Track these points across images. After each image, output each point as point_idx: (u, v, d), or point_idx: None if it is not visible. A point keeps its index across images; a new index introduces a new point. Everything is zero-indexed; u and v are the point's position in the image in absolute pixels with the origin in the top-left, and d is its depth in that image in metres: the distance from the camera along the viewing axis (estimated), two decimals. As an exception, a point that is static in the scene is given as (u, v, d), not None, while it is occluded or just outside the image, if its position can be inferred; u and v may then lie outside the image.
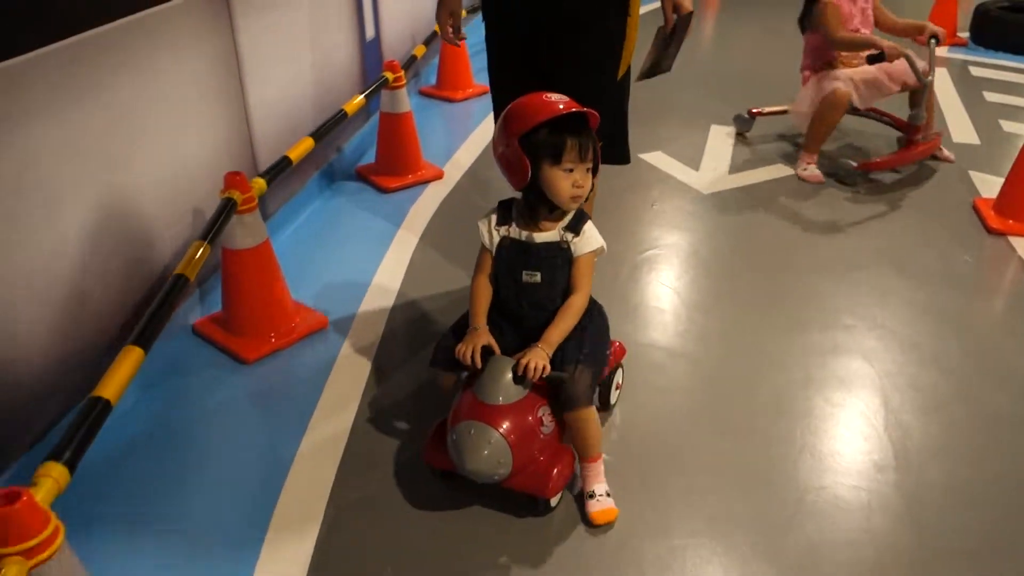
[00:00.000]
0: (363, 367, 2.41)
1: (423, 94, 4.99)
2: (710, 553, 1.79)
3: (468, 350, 1.79)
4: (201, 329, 2.55)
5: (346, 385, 2.33)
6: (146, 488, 1.97)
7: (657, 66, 2.27)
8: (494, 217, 1.90)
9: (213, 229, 2.17)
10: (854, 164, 3.62)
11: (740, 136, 4.22)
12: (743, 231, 3.30)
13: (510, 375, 1.76)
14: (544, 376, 1.75)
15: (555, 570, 1.75)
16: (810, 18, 3.66)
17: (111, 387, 1.55)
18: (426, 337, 2.52)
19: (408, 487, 1.95)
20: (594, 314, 1.94)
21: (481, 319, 1.88)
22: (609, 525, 1.85)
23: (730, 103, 4.49)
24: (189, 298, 2.57)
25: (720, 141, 4.21)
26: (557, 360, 1.81)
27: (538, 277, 1.85)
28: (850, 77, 3.58)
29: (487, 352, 1.80)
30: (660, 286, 2.88)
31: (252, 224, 2.38)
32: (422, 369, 2.33)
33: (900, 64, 3.53)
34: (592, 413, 1.84)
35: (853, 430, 2.17)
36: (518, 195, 1.89)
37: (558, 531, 1.84)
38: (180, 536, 1.83)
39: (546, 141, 1.74)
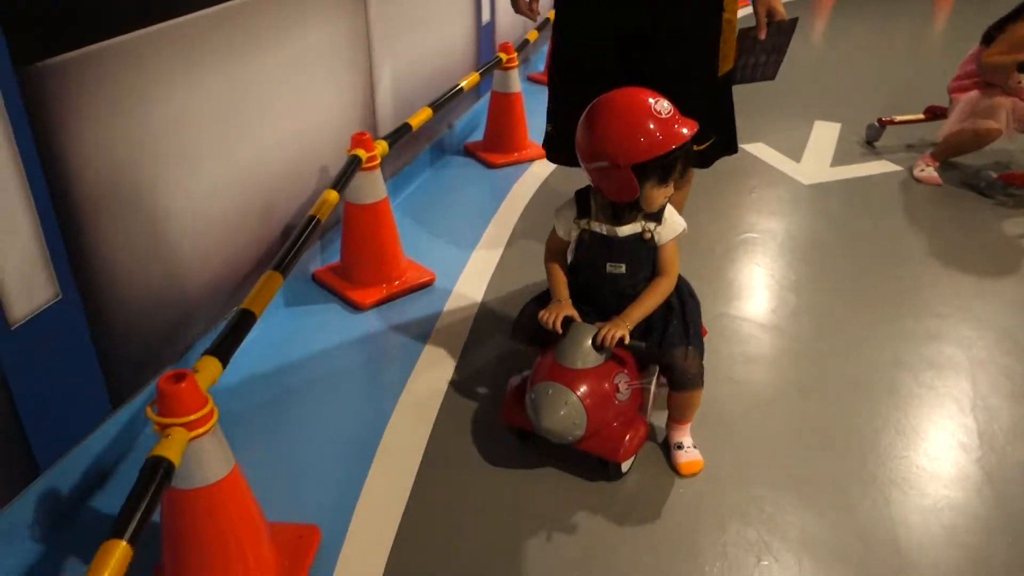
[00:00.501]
0: (464, 326, 2.57)
1: (531, 80, 5.16)
2: (789, 504, 1.87)
3: (551, 316, 1.85)
4: (320, 277, 2.78)
5: (447, 341, 2.50)
6: (267, 406, 2.19)
7: (745, 71, 2.26)
8: (572, 212, 1.92)
9: (341, 181, 2.37)
10: (994, 175, 3.49)
11: (869, 144, 4.10)
12: (841, 221, 3.33)
13: (589, 342, 1.82)
14: (625, 345, 1.80)
15: (630, 524, 1.84)
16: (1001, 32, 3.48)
17: (257, 303, 1.76)
18: (520, 305, 2.67)
19: (490, 445, 2.05)
20: (687, 295, 1.98)
21: (564, 292, 1.93)
22: (693, 476, 1.95)
23: (837, 102, 4.49)
24: (310, 249, 2.79)
25: (823, 136, 4.22)
26: (657, 340, 1.88)
27: (623, 268, 1.88)
28: (997, 107, 3.43)
29: (567, 321, 1.86)
30: (754, 266, 2.95)
31: (374, 181, 2.59)
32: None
33: None
34: (700, 393, 1.94)
35: (938, 410, 2.20)
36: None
37: (631, 494, 1.91)
38: (289, 455, 2.04)
39: (656, 166, 1.72)
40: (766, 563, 1.72)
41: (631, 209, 1.84)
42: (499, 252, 3.05)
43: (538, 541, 1.78)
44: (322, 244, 2.89)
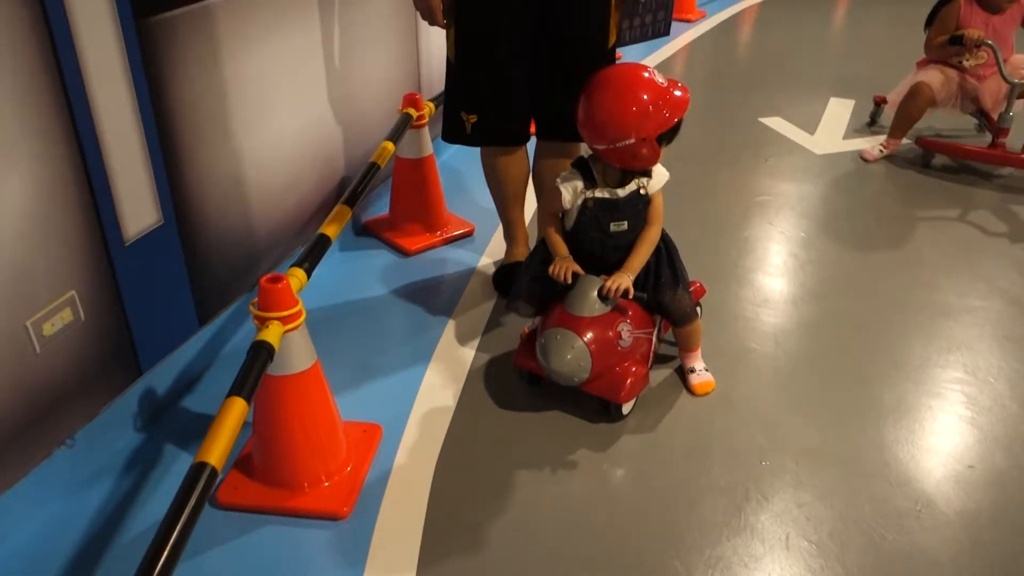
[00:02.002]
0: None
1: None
2: (792, 423, 2.13)
3: (561, 269, 2.01)
4: (370, 226, 3.06)
5: (486, 281, 2.77)
6: (332, 324, 2.47)
7: (634, 31, 2.35)
8: (579, 183, 2.01)
9: (396, 134, 2.65)
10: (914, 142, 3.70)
11: (872, 122, 4.24)
12: (850, 187, 3.57)
13: (595, 293, 1.98)
14: (629, 297, 1.98)
15: (629, 459, 1.99)
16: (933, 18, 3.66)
17: (330, 229, 2.05)
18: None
19: (506, 391, 2.22)
20: (670, 242, 2.15)
21: (565, 249, 2.06)
22: (706, 396, 2.20)
23: (853, 79, 4.72)
24: (367, 195, 3.08)
25: (838, 111, 4.45)
26: (651, 287, 2.08)
27: (625, 225, 2.03)
28: (940, 72, 3.62)
29: (575, 274, 2.01)
30: (767, 224, 3.20)
31: (422, 138, 2.86)
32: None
33: (989, 85, 3.56)
34: (699, 323, 2.21)
35: (931, 346, 2.44)
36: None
37: (630, 433, 2.07)
38: (354, 364, 2.32)
39: (672, 132, 1.93)
40: (767, 463, 1.98)
41: (635, 171, 2.01)
42: (534, 206, 3.31)
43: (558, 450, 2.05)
44: (371, 198, 3.17)
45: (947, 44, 3.54)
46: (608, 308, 2.00)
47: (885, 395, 2.23)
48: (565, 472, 1.96)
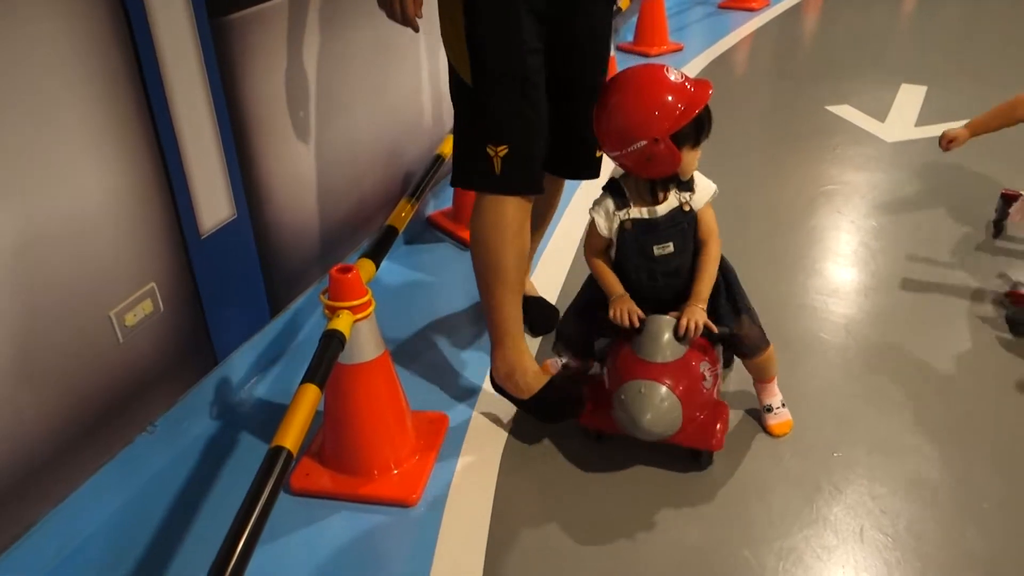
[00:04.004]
0: (565, 255, 2.86)
1: (620, 50, 5.37)
2: (862, 412, 2.09)
3: (623, 311, 1.81)
4: (434, 220, 3.10)
5: (551, 272, 2.77)
6: (399, 316, 2.51)
7: None
8: (610, 204, 1.84)
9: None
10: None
11: (997, 230, 2.98)
12: (925, 175, 3.46)
13: (668, 333, 1.79)
14: (707, 335, 1.79)
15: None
16: None
17: (398, 222, 2.08)
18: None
19: (568, 446, 2.00)
20: (725, 264, 1.93)
21: (619, 287, 1.87)
22: (784, 436, 2.01)
23: (924, 65, 4.58)
24: (432, 188, 3.12)
25: (909, 98, 4.33)
26: (713, 318, 1.84)
27: (671, 247, 1.83)
28: None
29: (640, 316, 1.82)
30: (835, 214, 3.13)
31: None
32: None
33: None
34: (772, 350, 1.97)
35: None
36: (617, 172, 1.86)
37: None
38: (421, 355, 2.35)
39: (691, 130, 1.71)
40: (838, 455, 1.94)
41: (666, 184, 1.81)
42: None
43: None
44: (434, 193, 3.21)
45: None
46: (686, 348, 1.81)
47: (961, 386, 2.17)
48: (633, 460, 1.94)
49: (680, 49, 5.36)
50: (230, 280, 2.14)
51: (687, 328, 1.77)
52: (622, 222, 1.83)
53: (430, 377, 2.26)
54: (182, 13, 1.83)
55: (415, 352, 2.37)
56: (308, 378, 1.52)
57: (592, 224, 1.88)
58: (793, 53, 5.59)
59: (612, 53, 4.01)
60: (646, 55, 5.26)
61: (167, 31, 1.79)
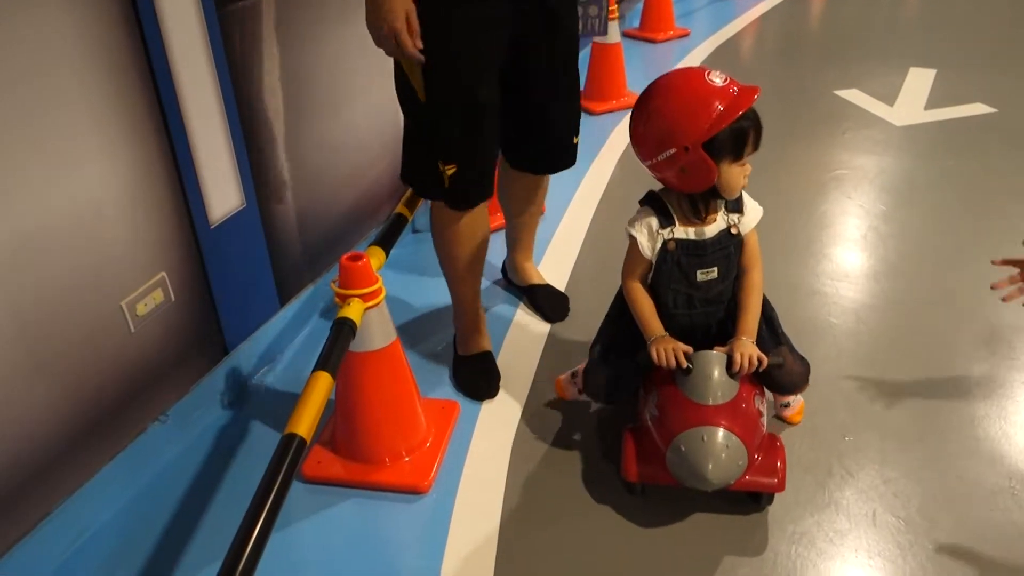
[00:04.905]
0: (575, 242, 2.86)
1: (626, 35, 5.34)
2: (872, 398, 2.08)
3: (667, 352, 1.64)
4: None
5: (559, 257, 2.77)
6: (408, 301, 2.51)
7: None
8: (653, 221, 1.69)
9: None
10: None
11: None
12: (932, 159, 3.44)
13: (718, 371, 1.63)
14: (763, 368, 1.65)
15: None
16: None
17: (406, 209, 2.07)
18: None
19: (580, 433, 1.99)
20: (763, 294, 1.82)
21: (659, 325, 1.71)
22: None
23: (932, 49, 4.54)
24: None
25: (918, 81, 4.29)
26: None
27: (715, 273, 1.69)
28: None
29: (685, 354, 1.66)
30: (845, 199, 3.12)
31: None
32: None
33: None
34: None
35: None
36: (656, 186, 1.74)
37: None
38: (432, 341, 2.35)
39: (727, 139, 1.55)
40: (850, 439, 1.94)
41: (708, 201, 1.67)
42: (598, 195, 3.28)
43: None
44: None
45: None
46: (737, 385, 1.66)
47: (973, 370, 2.16)
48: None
49: (687, 34, 5.33)
50: (240, 269, 2.14)
51: (742, 364, 1.63)
52: (665, 242, 1.68)
53: (440, 364, 2.27)
54: (189, 2, 1.82)
55: (425, 338, 2.37)
56: (320, 366, 1.52)
57: (633, 244, 1.72)
58: (800, 37, 5.55)
59: (617, 40, 4.05)
60: (652, 40, 5.24)
61: (175, 20, 1.78)
